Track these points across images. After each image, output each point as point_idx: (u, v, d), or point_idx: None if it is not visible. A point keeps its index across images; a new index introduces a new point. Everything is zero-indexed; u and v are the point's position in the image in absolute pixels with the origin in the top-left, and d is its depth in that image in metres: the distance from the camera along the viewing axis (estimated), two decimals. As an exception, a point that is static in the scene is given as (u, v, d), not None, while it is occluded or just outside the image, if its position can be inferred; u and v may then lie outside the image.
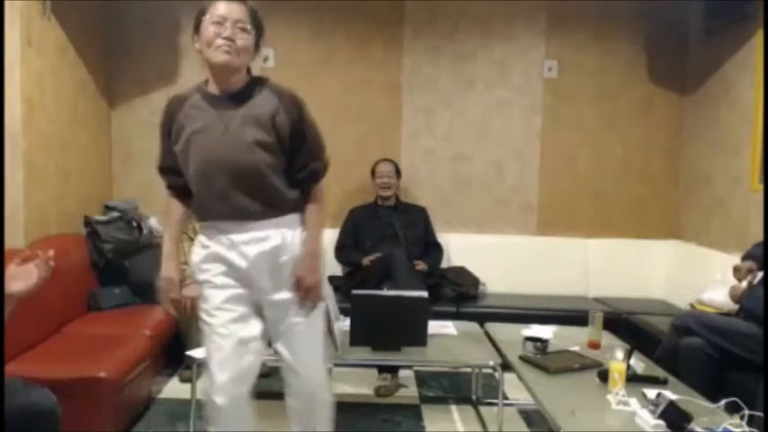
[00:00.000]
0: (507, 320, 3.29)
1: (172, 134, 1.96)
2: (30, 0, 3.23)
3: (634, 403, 2.05)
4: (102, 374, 2.50)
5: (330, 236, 4.04)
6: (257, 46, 1.92)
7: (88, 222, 3.70)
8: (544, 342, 2.62)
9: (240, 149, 1.86)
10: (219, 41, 1.81)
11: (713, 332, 2.73)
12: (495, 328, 3.08)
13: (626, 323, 3.67)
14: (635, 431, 1.91)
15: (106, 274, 3.68)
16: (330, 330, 2.42)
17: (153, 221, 4.15)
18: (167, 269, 2.03)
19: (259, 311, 2.01)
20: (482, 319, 3.29)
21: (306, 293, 1.96)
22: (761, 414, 1.91)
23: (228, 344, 1.93)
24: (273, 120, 1.88)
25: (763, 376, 1.96)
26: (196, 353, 2.72)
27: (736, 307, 3.03)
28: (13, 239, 3.10)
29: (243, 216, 1.91)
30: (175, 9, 4.34)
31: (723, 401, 2.07)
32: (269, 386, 3.44)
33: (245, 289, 1.96)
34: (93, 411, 2.00)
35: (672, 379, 2.36)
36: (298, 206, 1.99)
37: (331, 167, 2.10)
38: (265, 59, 4.40)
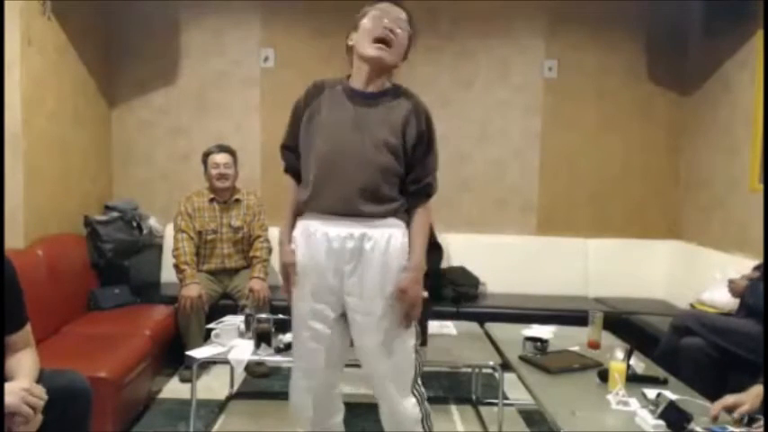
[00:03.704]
0: (507, 320, 3.29)
1: (304, 117, 2.00)
2: (30, 0, 3.23)
3: (634, 403, 2.05)
4: (102, 374, 2.50)
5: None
6: (406, 52, 1.97)
7: (88, 222, 3.70)
8: (544, 342, 2.62)
9: (367, 146, 1.89)
10: (380, 31, 1.86)
11: (713, 332, 2.73)
12: (495, 328, 3.08)
13: (626, 323, 3.67)
14: (635, 431, 1.91)
15: (106, 274, 3.68)
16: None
17: (153, 221, 4.16)
18: (281, 254, 2.05)
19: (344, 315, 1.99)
20: (482, 319, 3.29)
21: (409, 308, 1.91)
22: (760, 417, 1.90)
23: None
24: (404, 126, 1.92)
25: (764, 376, 1.96)
26: (196, 353, 2.73)
27: (736, 307, 3.04)
28: (13, 239, 3.10)
29: (347, 211, 1.90)
30: (175, 9, 4.35)
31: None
32: (269, 386, 3.45)
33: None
34: (93, 411, 2.01)
35: (672, 379, 2.36)
36: (399, 213, 1.96)
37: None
38: (265, 59, 4.40)
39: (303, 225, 1.99)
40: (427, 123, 1.96)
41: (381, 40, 1.87)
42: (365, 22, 1.89)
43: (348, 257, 1.91)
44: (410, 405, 2.01)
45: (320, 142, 1.93)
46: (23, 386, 1.65)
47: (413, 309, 1.92)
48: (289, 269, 2.02)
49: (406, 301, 1.90)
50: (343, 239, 1.90)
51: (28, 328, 1.89)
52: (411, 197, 1.98)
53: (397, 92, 1.97)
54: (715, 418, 1.90)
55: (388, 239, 1.91)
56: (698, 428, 1.85)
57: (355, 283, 1.92)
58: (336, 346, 2.02)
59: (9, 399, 1.60)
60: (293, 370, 2.11)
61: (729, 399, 1.94)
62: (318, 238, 1.93)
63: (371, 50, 1.87)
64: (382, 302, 1.91)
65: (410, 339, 2.00)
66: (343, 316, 1.99)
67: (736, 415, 1.86)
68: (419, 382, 2.05)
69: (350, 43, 1.95)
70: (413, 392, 2.02)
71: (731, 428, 1.85)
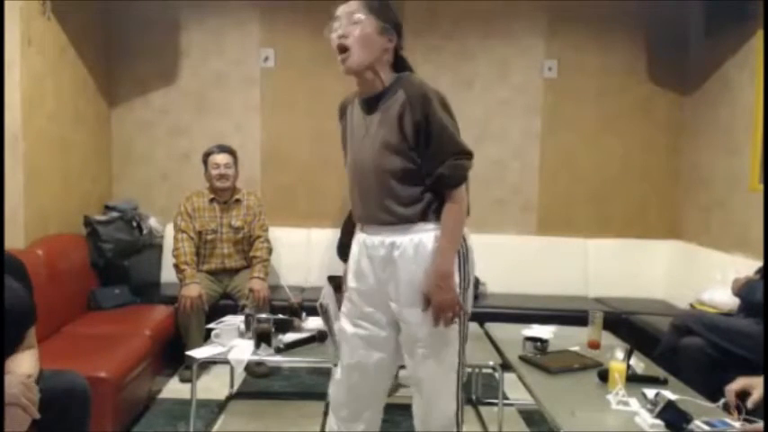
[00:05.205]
0: (507, 320, 3.29)
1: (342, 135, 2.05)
2: (30, 0, 3.23)
3: (634, 403, 2.05)
4: (102, 374, 2.50)
5: (331, 235, 4.05)
6: (386, 31, 1.86)
7: (88, 222, 3.70)
8: (544, 342, 2.62)
9: (373, 152, 1.86)
10: (335, 43, 1.84)
11: (713, 332, 2.73)
12: (495, 328, 3.09)
13: (626, 323, 3.67)
14: (635, 431, 1.91)
15: (106, 274, 3.68)
16: (330, 330, 2.43)
17: (153, 221, 4.16)
18: None
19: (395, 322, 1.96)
20: (482, 319, 3.29)
21: (436, 313, 1.83)
22: (760, 421, 1.90)
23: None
24: (400, 121, 1.82)
25: (763, 376, 1.96)
26: (196, 353, 2.73)
27: (736, 307, 3.05)
28: (14, 239, 3.10)
29: (374, 220, 1.90)
30: (175, 9, 4.35)
31: (723, 401, 2.07)
32: (269, 386, 3.45)
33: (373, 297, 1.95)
34: (93, 411, 2.01)
35: (672, 379, 2.36)
36: (430, 214, 1.87)
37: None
38: (265, 59, 4.40)
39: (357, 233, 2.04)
40: (424, 110, 1.78)
41: (340, 50, 1.84)
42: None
43: (382, 265, 1.90)
44: (447, 410, 1.94)
45: (347, 159, 2.00)
46: (22, 380, 1.65)
47: (442, 312, 1.83)
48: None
49: (432, 306, 1.83)
50: (376, 247, 1.90)
51: (32, 330, 1.89)
52: (433, 192, 1.87)
53: (396, 85, 1.86)
54: (736, 407, 1.90)
55: (417, 247, 1.86)
56: (698, 422, 1.86)
57: (393, 289, 1.90)
58: (389, 350, 1.98)
59: (11, 390, 1.60)
60: (338, 367, 2.07)
61: (741, 381, 1.93)
62: (360, 244, 1.97)
63: (340, 67, 1.86)
64: (416, 310, 1.87)
65: (452, 346, 1.92)
66: (393, 321, 1.95)
67: (750, 404, 1.85)
68: (461, 388, 1.97)
69: None
70: (455, 398, 1.95)
71: (731, 422, 1.85)
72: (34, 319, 1.89)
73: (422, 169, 1.84)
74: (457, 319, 1.88)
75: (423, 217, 1.87)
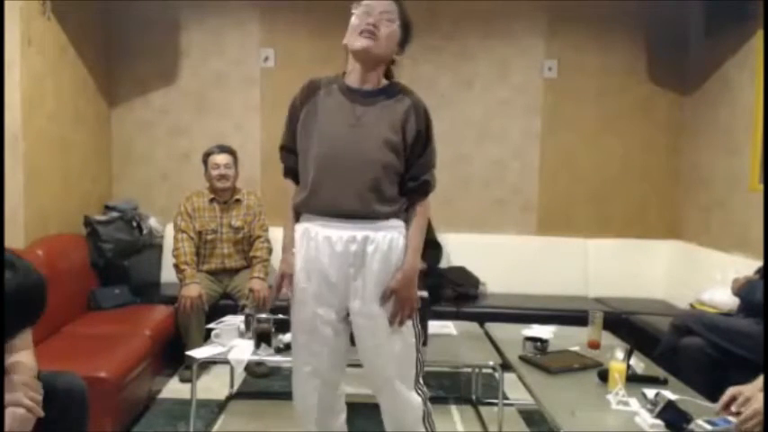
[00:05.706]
0: (507, 320, 3.29)
1: (300, 116, 1.97)
2: (30, 0, 3.23)
3: (634, 403, 2.05)
4: (102, 374, 2.50)
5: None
6: (402, 45, 1.95)
7: (88, 222, 3.70)
8: (544, 342, 2.62)
9: (368, 144, 1.87)
10: (363, 26, 1.83)
11: (713, 332, 2.73)
12: (495, 328, 3.08)
13: (626, 323, 3.67)
14: (635, 431, 1.91)
15: (106, 274, 3.68)
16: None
17: (153, 221, 4.16)
18: (282, 262, 2.02)
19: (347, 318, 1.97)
20: (482, 319, 3.29)
21: (398, 307, 1.90)
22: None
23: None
24: (404, 123, 1.90)
25: (764, 376, 1.96)
26: (196, 353, 2.73)
27: (736, 307, 3.05)
28: (14, 239, 3.10)
29: (344, 212, 1.88)
30: (175, 9, 4.35)
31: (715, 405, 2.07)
32: (269, 386, 3.45)
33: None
34: (93, 411, 2.01)
35: (672, 379, 2.36)
36: (400, 214, 1.95)
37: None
38: (265, 59, 4.40)
39: (303, 228, 1.96)
40: (426, 120, 1.95)
41: (365, 33, 1.84)
42: (352, 20, 1.88)
43: (352, 260, 1.89)
44: (414, 403, 2.00)
45: (318, 142, 1.90)
46: (23, 380, 1.65)
47: (404, 309, 1.90)
48: (284, 279, 2.00)
49: (396, 301, 1.89)
50: (346, 243, 1.88)
51: (29, 331, 1.89)
52: (409, 195, 1.96)
53: (396, 89, 1.96)
54: (726, 408, 1.90)
55: (390, 243, 1.90)
56: (699, 421, 1.86)
57: (359, 286, 1.90)
58: (340, 347, 2.01)
59: (12, 391, 1.60)
60: (295, 372, 2.08)
61: (731, 390, 1.93)
62: (320, 241, 1.91)
63: (357, 43, 1.84)
64: (379, 305, 1.91)
65: (410, 338, 1.99)
66: (346, 318, 1.98)
67: (734, 408, 1.85)
68: (421, 381, 2.04)
69: (344, 42, 1.91)
70: (416, 391, 2.01)
71: (732, 419, 1.85)
72: (40, 316, 1.87)
73: (407, 173, 1.94)
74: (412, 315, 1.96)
75: (395, 216, 1.93)
